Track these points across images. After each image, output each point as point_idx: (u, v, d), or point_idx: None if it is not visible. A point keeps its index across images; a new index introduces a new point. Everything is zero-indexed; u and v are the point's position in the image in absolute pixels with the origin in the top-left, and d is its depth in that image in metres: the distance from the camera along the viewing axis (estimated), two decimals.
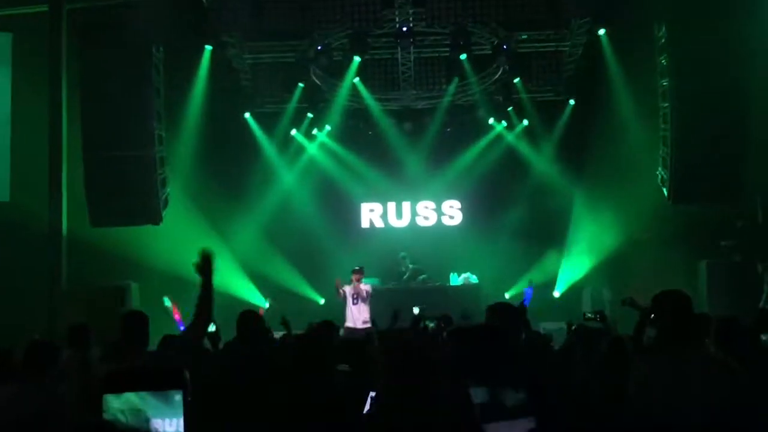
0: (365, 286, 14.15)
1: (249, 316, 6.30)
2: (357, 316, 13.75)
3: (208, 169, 16.86)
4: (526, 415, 1.71)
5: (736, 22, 14.19)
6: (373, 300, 14.27)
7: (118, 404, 2.60)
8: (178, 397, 2.59)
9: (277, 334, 9.08)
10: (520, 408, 1.73)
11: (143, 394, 2.60)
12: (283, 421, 3.60)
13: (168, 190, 15.77)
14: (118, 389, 2.59)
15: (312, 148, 18.92)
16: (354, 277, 14.15)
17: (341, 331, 12.27)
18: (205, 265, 4.98)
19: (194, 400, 2.65)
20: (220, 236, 16.48)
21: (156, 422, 2.58)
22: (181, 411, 2.60)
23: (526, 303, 13.27)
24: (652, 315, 5.06)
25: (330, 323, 7.30)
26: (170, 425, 2.58)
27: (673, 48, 14.73)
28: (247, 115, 18.47)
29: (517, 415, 1.69)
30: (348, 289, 14.06)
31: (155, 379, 2.65)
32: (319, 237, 17.96)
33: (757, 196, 15.62)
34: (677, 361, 4.35)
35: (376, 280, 17.49)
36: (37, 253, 14.36)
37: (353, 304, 13.92)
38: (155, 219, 15.42)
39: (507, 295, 17.73)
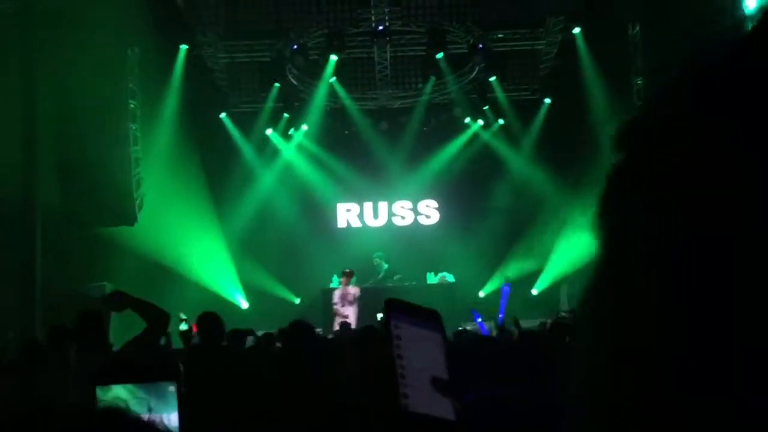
0: (353, 289, 14.18)
1: (209, 318, 6.19)
2: (343, 318, 13.75)
3: (185, 170, 16.76)
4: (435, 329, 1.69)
5: (710, 21, 14.31)
6: None
7: (107, 397, 2.58)
8: (171, 388, 2.58)
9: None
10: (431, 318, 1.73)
11: (136, 386, 2.59)
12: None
13: (143, 190, 15.68)
14: (109, 381, 2.57)
15: (288, 148, 18.84)
16: (343, 279, 14.20)
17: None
18: (114, 303, 4.96)
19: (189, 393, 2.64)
20: (196, 236, 16.39)
21: (150, 414, 2.56)
22: (175, 403, 2.59)
23: (504, 301, 13.33)
24: None
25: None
26: (165, 418, 2.56)
27: (646, 47, 14.86)
28: (222, 115, 18.36)
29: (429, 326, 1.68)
30: (337, 292, 14.12)
31: (149, 371, 2.64)
32: (296, 237, 17.92)
33: None
34: None
35: (353, 279, 17.47)
36: (10, 253, 14.20)
37: (341, 306, 13.96)
38: (130, 220, 15.32)
39: (482, 294, 17.79)
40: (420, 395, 1.56)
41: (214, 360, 5.02)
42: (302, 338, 5.02)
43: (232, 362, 5.58)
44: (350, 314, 13.88)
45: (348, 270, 14.44)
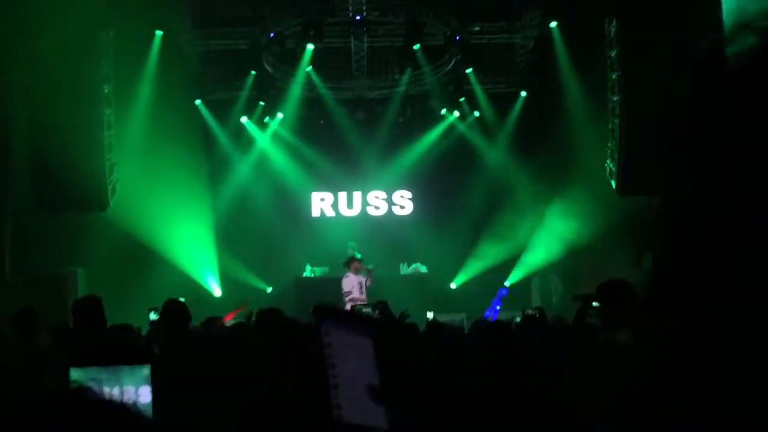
0: (367, 278, 14.27)
1: (172, 306, 6.17)
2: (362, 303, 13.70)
3: (159, 156, 16.63)
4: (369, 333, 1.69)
5: (686, 16, 14.42)
6: (321, 288, 14.32)
7: (79, 376, 2.57)
8: (146, 371, 2.58)
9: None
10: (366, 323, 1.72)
11: (110, 368, 2.58)
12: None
13: (116, 176, 15.56)
14: (84, 363, 2.56)
15: (263, 137, 18.79)
16: (355, 265, 14.33)
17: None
18: None
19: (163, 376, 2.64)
20: (171, 223, 16.29)
21: (123, 391, 2.56)
22: (149, 384, 2.58)
23: (496, 302, 13.41)
24: (594, 303, 5.20)
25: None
26: (139, 396, 2.56)
27: (622, 42, 14.95)
28: (198, 102, 18.24)
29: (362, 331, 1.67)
30: (350, 281, 14.13)
31: (123, 353, 2.63)
32: (269, 225, 17.88)
33: None
34: (612, 345, 4.48)
35: (325, 269, 17.49)
36: None
37: (359, 293, 13.99)
38: (102, 205, 15.21)
39: (453, 285, 17.85)
40: (353, 405, 1.55)
41: (182, 342, 5.01)
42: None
43: (200, 344, 5.58)
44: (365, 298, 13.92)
45: (356, 257, 14.59)
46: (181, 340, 5.15)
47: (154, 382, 2.60)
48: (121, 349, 2.68)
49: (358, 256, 17.31)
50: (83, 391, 1.49)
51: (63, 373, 2.62)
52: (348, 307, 13.41)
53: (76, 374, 2.60)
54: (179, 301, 6.16)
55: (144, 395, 2.60)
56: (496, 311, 12.92)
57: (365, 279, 14.26)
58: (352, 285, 14.14)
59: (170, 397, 2.74)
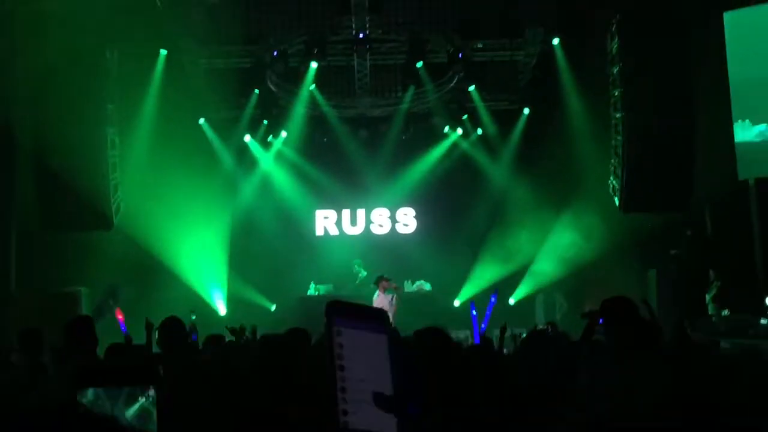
0: (390, 297, 14.41)
1: (171, 323, 6.18)
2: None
3: (163, 175, 16.65)
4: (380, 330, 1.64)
5: (688, 33, 14.49)
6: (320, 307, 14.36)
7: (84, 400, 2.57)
8: (151, 392, 2.57)
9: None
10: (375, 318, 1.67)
11: (114, 389, 2.58)
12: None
13: (120, 195, 15.59)
14: (89, 384, 2.56)
15: (267, 155, 18.80)
16: (384, 284, 14.45)
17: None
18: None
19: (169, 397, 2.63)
20: (174, 242, 16.30)
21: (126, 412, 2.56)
22: (153, 406, 2.58)
23: (489, 310, 13.35)
24: (600, 321, 5.18)
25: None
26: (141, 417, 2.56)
27: (624, 58, 15.00)
28: (201, 120, 18.27)
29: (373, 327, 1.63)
30: (381, 300, 14.30)
31: (128, 374, 2.63)
32: (273, 243, 17.86)
33: (706, 204, 15.94)
34: (623, 365, 4.47)
35: (330, 286, 17.48)
36: None
37: (392, 310, 14.07)
38: (106, 225, 15.24)
39: (457, 303, 17.81)
40: (361, 411, 1.50)
41: (178, 361, 5.01)
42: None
43: (196, 360, 5.59)
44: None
45: (385, 276, 14.73)
46: (179, 359, 5.15)
47: (159, 403, 2.60)
48: (125, 370, 2.67)
49: (363, 273, 17.35)
50: (78, 405, 1.49)
51: (71, 395, 2.62)
52: None
53: (79, 396, 2.60)
54: (176, 319, 6.18)
55: (145, 416, 2.60)
56: (487, 318, 12.85)
57: (392, 297, 14.32)
58: (382, 304, 14.21)
59: (171, 417, 2.74)
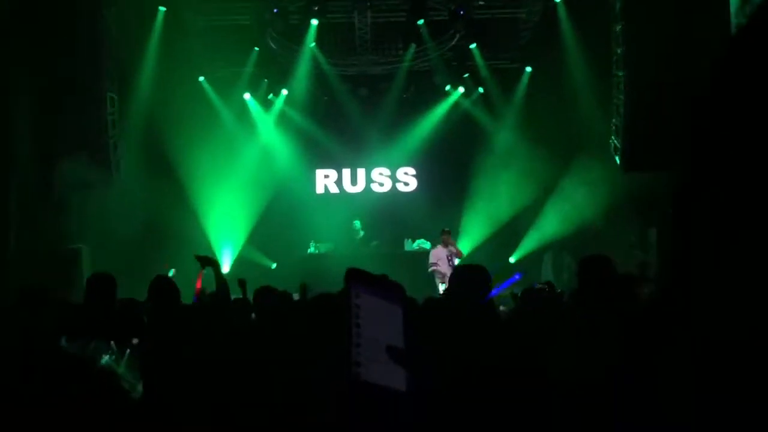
0: (454, 248, 14.68)
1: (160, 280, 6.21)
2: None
3: (163, 134, 16.60)
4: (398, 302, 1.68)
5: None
6: (326, 265, 14.38)
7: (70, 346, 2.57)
8: (134, 341, 2.58)
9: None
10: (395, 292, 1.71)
11: (101, 342, 2.58)
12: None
13: (120, 153, 15.55)
14: (75, 334, 2.56)
15: (267, 114, 18.74)
16: (445, 238, 14.69)
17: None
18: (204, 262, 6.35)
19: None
20: (176, 201, 16.29)
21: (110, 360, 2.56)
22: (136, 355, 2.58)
23: (506, 284, 13.42)
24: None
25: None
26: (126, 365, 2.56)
27: (627, 16, 14.84)
28: (201, 78, 18.17)
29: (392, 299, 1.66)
30: (438, 252, 14.56)
31: (114, 326, 2.62)
32: (273, 202, 17.88)
33: None
34: (586, 318, 4.48)
35: (330, 245, 17.50)
36: None
37: (449, 265, 14.12)
38: (106, 182, 15.21)
39: (456, 261, 17.82)
40: (373, 365, 1.54)
41: (170, 319, 5.01)
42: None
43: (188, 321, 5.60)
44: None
45: (447, 229, 14.93)
46: (170, 317, 5.15)
47: (143, 354, 2.60)
48: (111, 322, 2.67)
49: (362, 233, 17.37)
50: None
51: (54, 344, 2.62)
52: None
53: (67, 345, 2.60)
54: (167, 277, 6.21)
55: (132, 365, 2.60)
56: (500, 288, 12.92)
57: (454, 252, 14.59)
58: (439, 257, 14.54)
59: (156, 370, 2.74)
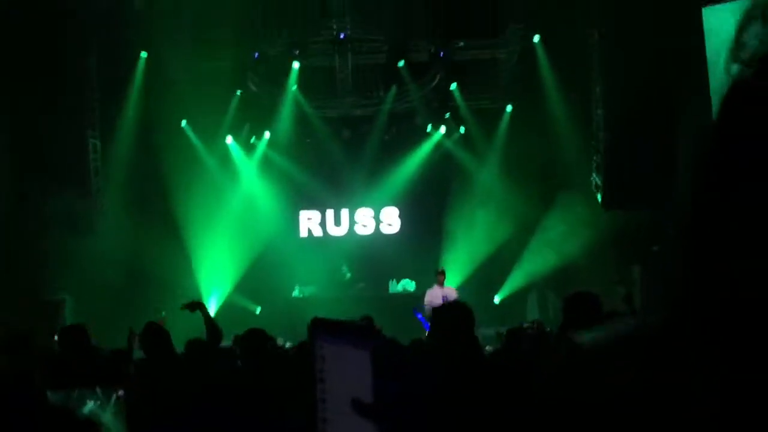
0: (450, 290, 14.40)
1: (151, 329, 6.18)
2: None
3: (146, 180, 16.59)
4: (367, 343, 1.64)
5: (669, 30, 14.51)
6: (311, 309, 14.30)
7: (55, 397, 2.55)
8: (121, 392, 2.56)
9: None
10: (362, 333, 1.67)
11: (85, 391, 2.56)
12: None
13: (104, 200, 15.52)
14: (60, 385, 2.54)
15: (250, 157, 18.73)
16: (440, 278, 14.44)
17: None
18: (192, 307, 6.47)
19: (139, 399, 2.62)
20: (158, 247, 16.19)
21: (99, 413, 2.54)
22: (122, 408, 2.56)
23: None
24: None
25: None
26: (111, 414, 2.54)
27: (604, 55, 15.03)
28: (183, 123, 18.15)
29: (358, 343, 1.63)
30: (434, 293, 14.23)
31: (99, 375, 2.61)
32: (257, 245, 17.80)
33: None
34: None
35: (314, 288, 17.43)
36: None
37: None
38: (90, 230, 15.16)
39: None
40: (341, 420, 1.51)
41: (161, 368, 4.97)
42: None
43: (181, 369, 5.56)
44: None
45: (442, 269, 14.72)
46: (162, 364, 5.12)
47: (129, 404, 2.58)
48: (96, 372, 2.65)
49: (348, 275, 17.33)
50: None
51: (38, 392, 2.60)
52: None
53: (52, 396, 2.58)
54: (158, 325, 6.17)
55: (118, 413, 2.58)
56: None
57: (449, 292, 14.35)
58: (435, 296, 14.26)
59: (144, 420, 2.72)
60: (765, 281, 0.73)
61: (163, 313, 12.12)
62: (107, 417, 2.59)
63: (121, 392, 2.56)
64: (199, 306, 6.55)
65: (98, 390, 2.56)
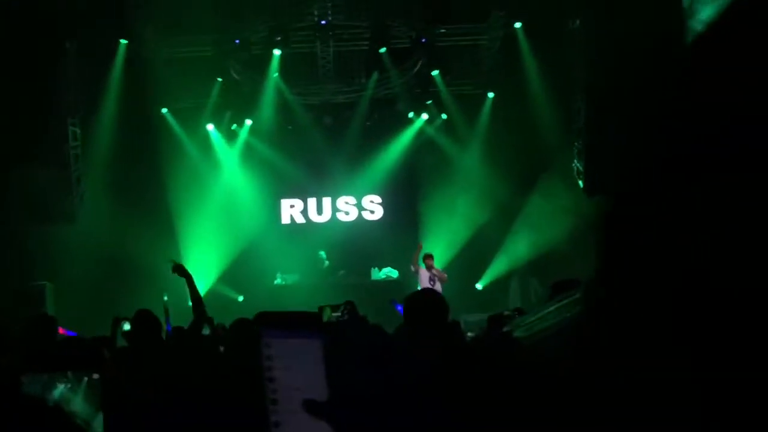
0: (443, 274, 14.52)
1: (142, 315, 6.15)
2: None
3: (127, 167, 16.50)
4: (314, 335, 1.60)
5: (650, 15, 14.52)
6: (292, 296, 14.28)
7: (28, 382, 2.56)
8: (96, 376, 2.55)
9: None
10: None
11: (55, 375, 2.56)
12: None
13: (83, 187, 15.43)
14: (36, 369, 2.53)
15: (231, 144, 18.66)
16: (428, 261, 14.47)
17: None
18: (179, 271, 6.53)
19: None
20: (140, 234, 16.12)
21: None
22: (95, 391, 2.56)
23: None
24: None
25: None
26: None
27: (585, 41, 15.04)
28: (164, 110, 18.06)
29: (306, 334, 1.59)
30: (426, 274, 14.36)
31: (74, 359, 2.60)
32: (239, 233, 17.76)
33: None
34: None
35: (296, 276, 17.42)
36: None
37: (431, 285, 14.06)
38: (70, 218, 15.08)
39: (438, 285, 17.81)
40: (295, 421, 1.47)
41: (141, 354, 4.96)
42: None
43: (171, 355, 5.54)
44: None
45: (429, 253, 14.83)
46: (144, 350, 5.11)
47: (105, 388, 2.58)
48: (71, 356, 2.65)
49: (327, 263, 17.33)
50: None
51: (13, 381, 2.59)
52: None
53: (25, 380, 2.58)
54: (149, 312, 6.15)
55: (88, 398, 2.58)
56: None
57: (437, 276, 14.49)
58: (422, 281, 14.46)
59: (120, 407, 2.72)
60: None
61: (166, 297, 12.04)
62: (77, 400, 2.59)
63: (95, 376, 2.56)
64: (185, 275, 6.78)
65: (69, 374, 2.55)
